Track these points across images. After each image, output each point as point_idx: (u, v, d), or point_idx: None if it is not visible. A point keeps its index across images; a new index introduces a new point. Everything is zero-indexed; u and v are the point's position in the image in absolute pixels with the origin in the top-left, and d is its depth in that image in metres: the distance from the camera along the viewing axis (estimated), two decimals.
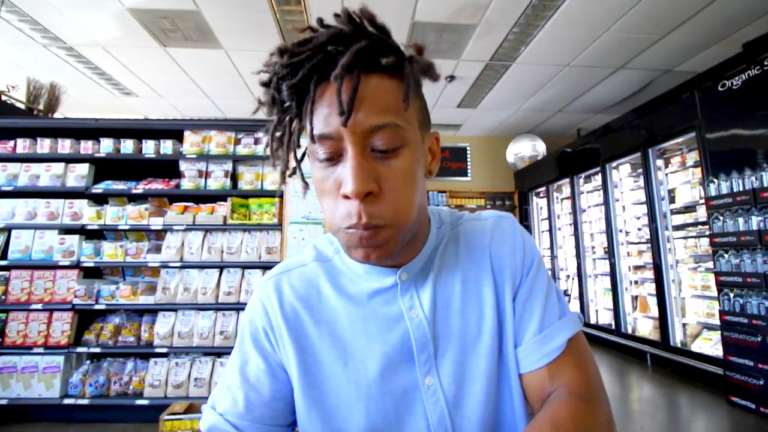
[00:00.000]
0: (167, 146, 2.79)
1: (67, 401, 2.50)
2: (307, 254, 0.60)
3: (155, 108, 5.55)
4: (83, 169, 2.76)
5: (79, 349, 2.58)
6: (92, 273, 2.84)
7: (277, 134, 0.50)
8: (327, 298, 0.55)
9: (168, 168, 2.84)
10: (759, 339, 2.66)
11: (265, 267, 2.70)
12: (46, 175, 2.73)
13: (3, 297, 2.60)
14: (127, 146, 2.79)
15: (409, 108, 0.46)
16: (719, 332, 3.02)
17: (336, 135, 0.44)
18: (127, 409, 2.52)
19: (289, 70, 0.44)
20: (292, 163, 0.52)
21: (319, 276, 0.57)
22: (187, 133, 2.82)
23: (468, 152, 6.84)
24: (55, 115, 3.44)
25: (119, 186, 2.77)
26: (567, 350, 0.52)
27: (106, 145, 2.78)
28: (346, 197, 0.44)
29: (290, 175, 0.52)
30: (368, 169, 0.44)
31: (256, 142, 2.84)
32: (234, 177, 2.86)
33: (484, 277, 0.55)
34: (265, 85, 0.47)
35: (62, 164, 2.74)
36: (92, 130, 2.86)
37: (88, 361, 2.66)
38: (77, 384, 2.55)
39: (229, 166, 2.82)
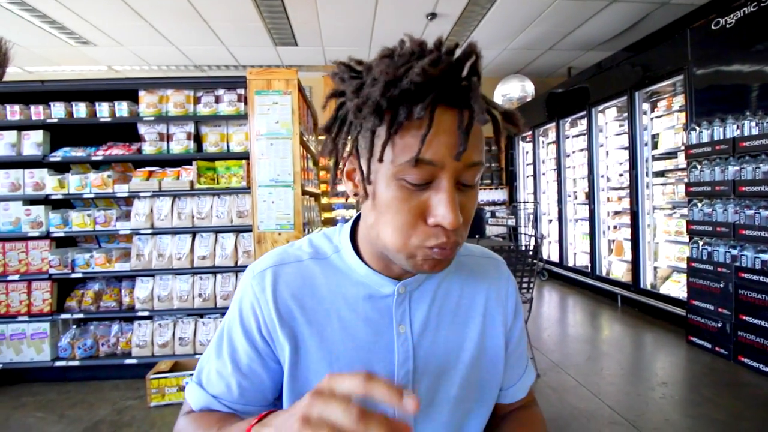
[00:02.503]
0: (123, 108, 2.64)
1: (59, 363, 2.62)
2: (303, 250, 0.59)
3: (117, 57, 5.19)
4: (37, 136, 2.63)
5: (63, 316, 2.65)
6: (65, 242, 2.83)
7: (352, 134, 0.48)
8: (321, 298, 0.56)
9: (127, 131, 2.72)
10: (722, 285, 2.77)
11: (238, 231, 2.69)
12: (0, 144, 2.62)
13: None
14: (80, 110, 2.63)
15: None
16: (687, 278, 3.13)
17: (439, 164, 0.44)
18: (118, 368, 2.65)
19: (415, 86, 0.41)
20: (361, 166, 0.48)
21: (315, 274, 0.57)
22: (142, 93, 2.65)
23: None
24: (6, 71, 3.21)
25: (79, 153, 2.67)
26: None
27: (58, 110, 2.63)
28: (436, 225, 0.46)
29: (344, 177, 0.52)
30: (457, 201, 0.46)
31: (218, 100, 2.69)
32: (198, 139, 2.74)
33: (475, 314, 0.60)
34: (389, 87, 0.42)
35: (14, 132, 2.61)
36: (42, 94, 2.68)
37: (74, 326, 2.75)
38: (66, 347, 2.66)
39: (191, 127, 2.70)
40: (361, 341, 0.55)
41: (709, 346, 2.86)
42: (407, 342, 0.55)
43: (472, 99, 0.42)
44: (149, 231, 2.64)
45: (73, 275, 2.65)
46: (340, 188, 0.56)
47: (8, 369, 2.63)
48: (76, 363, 2.62)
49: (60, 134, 2.75)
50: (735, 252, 2.73)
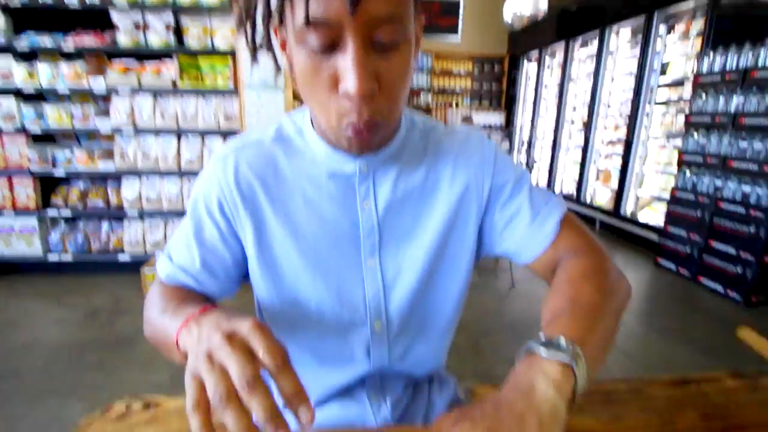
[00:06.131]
0: None
1: (51, 258, 2.68)
2: (267, 133, 0.59)
3: None
4: None
5: (51, 213, 2.64)
6: (43, 140, 2.70)
7: None
8: (284, 178, 0.56)
9: (98, 18, 2.45)
10: (699, 214, 2.88)
11: (225, 134, 2.60)
12: None
13: None
14: None
15: None
16: (666, 204, 3.23)
17: (335, 22, 0.38)
18: (112, 264, 2.73)
19: None
20: (267, 38, 0.44)
21: (278, 156, 0.56)
22: None
23: (461, 7, 6.00)
24: None
25: (46, 39, 2.42)
26: (562, 227, 0.56)
27: None
28: (345, 94, 0.41)
29: (259, 48, 0.46)
30: (370, 65, 0.41)
31: None
32: (178, 32, 2.50)
33: (443, 185, 0.58)
34: None
35: None
36: None
37: (63, 222, 2.76)
38: (57, 243, 2.70)
39: (170, 18, 2.44)
40: (326, 218, 0.55)
41: (674, 267, 3.06)
42: (372, 217, 0.56)
43: None
44: (131, 130, 2.53)
45: (56, 172, 2.59)
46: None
47: (2, 262, 2.68)
48: (68, 258, 2.68)
49: (22, 19, 2.47)
50: (719, 183, 2.79)
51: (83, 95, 2.61)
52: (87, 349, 1.90)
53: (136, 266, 2.56)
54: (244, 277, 0.60)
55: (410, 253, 0.58)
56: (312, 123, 0.56)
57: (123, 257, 2.69)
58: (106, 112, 2.55)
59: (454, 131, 0.62)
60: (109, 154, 2.63)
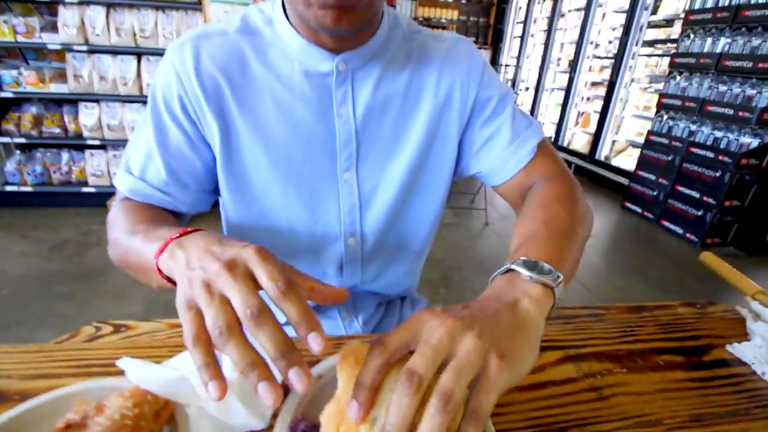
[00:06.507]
0: None
1: (9, 188, 2.52)
2: (232, 24, 0.51)
3: None
4: None
5: (2, 139, 2.44)
6: None
7: None
8: (253, 76, 0.50)
9: None
10: (670, 158, 2.94)
11: None
12: None
13: None
14: None
15: None
16: (640, 149, 3.29)
17: None
18: (76, 196, 2.60)
19: None
20: None
21: (244, 49, 0.50)
22: None
23: None
24: None
25: None
26: (538, 152, 0.56)
27: None
28: None
29: None
30: None
31: None
32: None
33: (427, 93, 0.55)
34: None
35: None
36: None
37: (18, 151, 2.57)
38: (15, 173, 2.53)
39: None
40: (299, 123, 0.51)
41: (640, 210, 3.20)
42: (349, 124, 0.52)
43: None
44: (84, 48, 2.28)
45: (2, 94, 2.35)
46: None
47: None
48: (28, 188, 2.54)
49: None
50: (693, 128, 2.83)
51: (25, 6, 2.31)
52: (55, 281, 1.86)
53: (102, 198, 2.46)
54: (217, 190, 0.55)
55: (389, 167, 0.55)
56: (284, 10, 0.49)
57: (88, 189, 2.57)
58: (53, 26, 2.28)
59: (440, 37, 0.58)
60: (61, 76, 2.39)
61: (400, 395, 0.25)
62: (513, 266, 0.36)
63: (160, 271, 0.36)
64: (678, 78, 2.97)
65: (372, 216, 0.57)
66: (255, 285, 0.29)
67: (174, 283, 0.34)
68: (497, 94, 0.57)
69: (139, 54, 2.37)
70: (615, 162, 3.92)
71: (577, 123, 4.61)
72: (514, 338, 0.30)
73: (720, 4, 2.71)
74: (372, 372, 0.27)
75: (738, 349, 0.50)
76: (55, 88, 2.37)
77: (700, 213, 2.70)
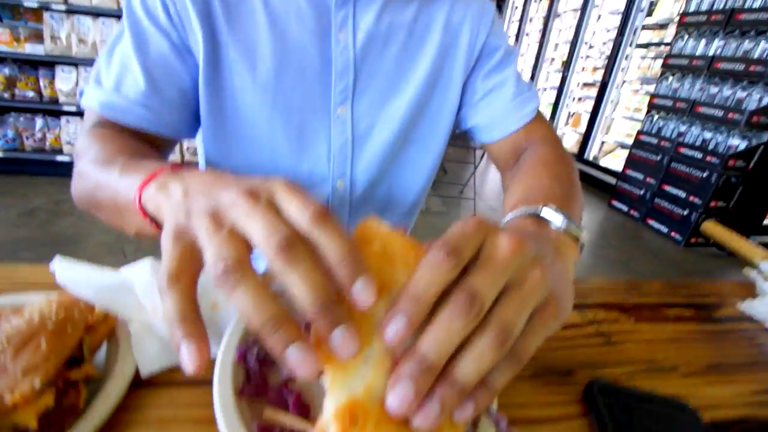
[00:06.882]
0: None
1: None
2: None
3: None
4: None
5: None
6: None
7: None
8: None
9: None
10: (658, 158, 2.96)
11: None
12: None
13: None
14: None
15: None
16: (629, 149, 3.30)
17: None
18: (50, 164, 2.47)
19: None
20: None
21: None
22: None
23: None
24: None
25: None
26: (536, 115, 0.54)
27: None
28: None
29: None
30: None
31: None
32: None
33: (435, 29, 0.50)
34: None
35: None
36: None
37: None
38: None
39: None
40: (292, 42, 0.45)
41: (626, 209, 3.22)
42: (347, 52, 0.47)
43: None
44: (63, 7, 2.16)
45: None
46: None
47: None
48: None
49: None
50: (683, 128, 2.85)
51: None
52: (22, 247, 1.75)
53: None
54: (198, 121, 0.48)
55: (387, 106, 0.50)
56: None
57: (62, 158, 2.45)
58: None
59: None
60: (38, 36, 2.26)
61: (454, 316, 0.18)
62: (544, 212, 0.31)
63: (142, 208, 0.28)
64: (670, 79, 2.99)
65: (364, 158, 0.52)
66: (283, 217, 0.20)
67: (159, 226, 0.26)
68: (504, 45, 0.54)
69: (121, 17, 2.25)
70: (603, 162, 3.94)
71: (567, 123, 4.63)
72: (564, 283, 0.25)
73: (715, 8, 2.73)
74: (436, 284, 0.19)
75: (750, 306, 0.46)
76: (30, 48, 2.24)
77: (685, 212, 2.72)
